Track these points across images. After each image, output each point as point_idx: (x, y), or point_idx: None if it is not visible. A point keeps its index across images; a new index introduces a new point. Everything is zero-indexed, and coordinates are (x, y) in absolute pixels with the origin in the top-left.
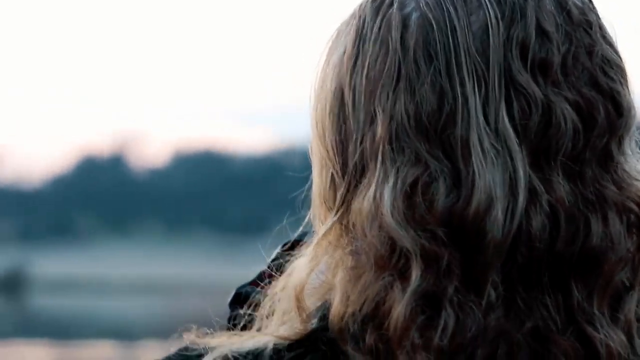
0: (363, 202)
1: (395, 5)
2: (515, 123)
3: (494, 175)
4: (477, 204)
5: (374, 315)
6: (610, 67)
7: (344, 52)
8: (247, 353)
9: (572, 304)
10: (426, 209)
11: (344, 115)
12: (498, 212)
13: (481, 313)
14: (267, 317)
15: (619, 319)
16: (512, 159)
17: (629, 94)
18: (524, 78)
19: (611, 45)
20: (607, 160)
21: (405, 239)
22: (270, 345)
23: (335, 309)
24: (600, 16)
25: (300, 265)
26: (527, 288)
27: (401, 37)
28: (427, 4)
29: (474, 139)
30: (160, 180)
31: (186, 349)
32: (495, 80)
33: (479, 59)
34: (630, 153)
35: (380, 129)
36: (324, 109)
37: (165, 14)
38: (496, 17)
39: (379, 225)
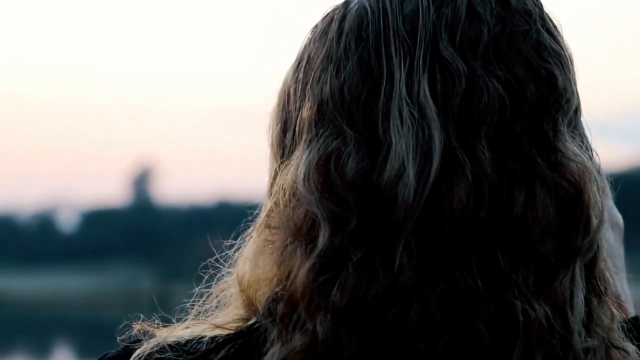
0: (285, 177)
1: (341, 5)
2: (437, 94)
3: (409, 142)
4: (390, 169)
5: (283, 282)
6: (547, 52)
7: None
8: (187, 342)
9: (496, 272)
10: (338, 176)
11: (286, 110)
12: (410, 176)
13: (390, 275)
14: (216, 308)
15: (546, 292)
16: (429, 127)
17: (568, 81)
18: (449, 53)
19: (551, 34)
20: (540, 139)
21: (314, 204)
22: (208, 333)
23: (247, 282)
24: (547, 11)
25: (243, 253)
26: (448, 253)
27: (339, 27)
28: None
29: (394, 109)
30: None
31: (132, 340)
32: (421, 55)
33: (407, 37)
34: (567, 136)
35: (306, 110)
36: (271, 111)
37: None
38: (428, 1)
39: (294, 195)
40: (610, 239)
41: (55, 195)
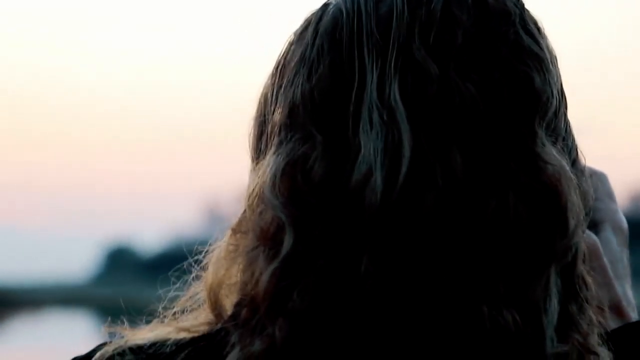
0: (254, 182)
1: (320, 7)
2: (408, 98)
3: (377, 146)
4: (358, 173)
5: (247, 286)
6: (526, 54)
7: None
8: (150, 345)
9: (465, 280)
10: (304, 181)
11: (262, 115)
12: (377, 181)
13: (353, 281)
14: (184, 312)
15: (517, 298)
16: (398, 131)
17: (547, 83)
18: (421, 55)
19: (531, 36)
20: (515, 142)
21: (279, 209)
22: (173, 336)
23: (211, 285)
24: (527, 10)
25: (212, 257)
26: (416, 260)
27: (314, 29)
28: None
29: (364, 113)
30: None
31: (99, 344)
32: (393, 58)
33: (380, 40)
34: (545, 139)
35: (278, 114)
36: (252, 117)
37: None
38: (402, 2)
39: (261, 200)
40: (613, 244)
41: None
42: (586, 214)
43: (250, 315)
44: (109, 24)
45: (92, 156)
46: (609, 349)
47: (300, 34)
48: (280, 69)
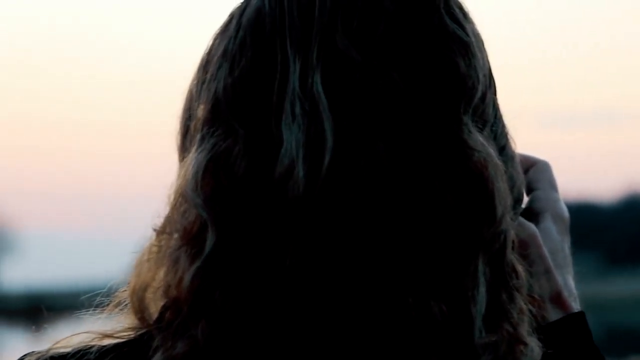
0: (178, 180)
1: (244, 0)
2: (331, 88)
3: (299, 138)
4: (280, 167)
5: (171, 288)
6: (450, 40)
7: None
8: (74, 353)
9: (390, 270)
10: (226, 178)
11: (188, 112)
12: (299, 172)
13: (276, 277)
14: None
15: (443, 288)
16: (320, 122)
17: (473, 68)
18: (344, 43)
19: (456, 20)
20: (439, 130)
21: (201, 207)
22: (97, 343)
23: (133, 288)
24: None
25: (136, 259)
26: (341, 253)
27: (237, 22)
28: None
29: (286, 105)
30: None
31: (25, 353)
32: (316, 47)
33: (302, 29)
34: (471, 126)
35: (201, 110)
36: (177, 117)
37: None
38: None
39: (184, 199)
40: (552, 233)
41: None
42: (516, 201)
43: (173, 318)
44: None
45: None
46: (540, 339)
47: (225, 28)
48: (204, 64)
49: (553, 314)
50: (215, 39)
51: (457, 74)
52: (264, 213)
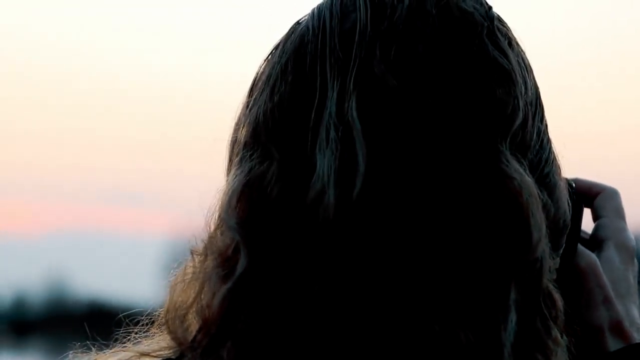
0: (217, 202)
1: (292, 26)
2: (366, 113)
3: (331, 163)
4: (312, 191)
5: (204, 309)
6: (490, 68)
7: None
8: None
9: (418, 297)
10: (259, 201)
11: (235, 136)
12: (330, 197)
13: (304, 301)
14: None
15: (472, 316)
16: (352, 147)
17: (511, 96)
18: (381, 69)
19: (498, 47)
20: (475, 158)
21: (234, 229)
22: None
23: (168, 309)
24: (500, 21)
25: (172, 280)
26: (370, 279)
27: (282, 47)
28: (312, 15)
29: (322, 130)
30: None
31: None
32: (354, 73)
33: (341, 56)
34: (508, 153)
35: (241, 133)
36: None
37: None
38: (366, 16)
39: (219, 221)
40: (614, 262)
41: None
42: (558, 229)
43: (203, 338)
44: None
45: None
46: None
47: (272, 53)
48: (251, 89)
49: (613, 344)
50: (261, 65)
51: (494, 101)
52: (295, 237)
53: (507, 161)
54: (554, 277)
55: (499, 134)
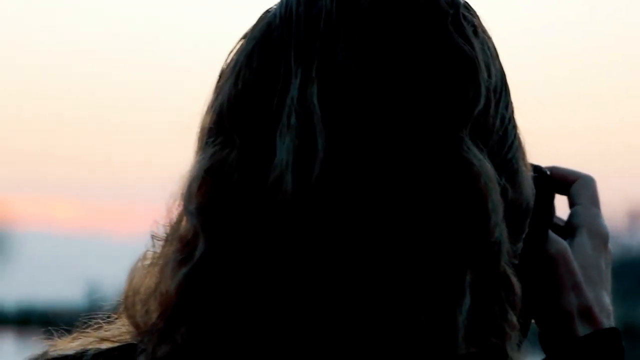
0: (178, 190)
1: (262, 14)
2: (326, 99)
3: (290, 149)
4: (271, 176)
5: (162, 294)
6: (452, 54)
7: None
8: (71, 356)
9: (375, 281)
10: (219, 187)
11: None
12: (288, 183)
13: (260, 285)
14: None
15: (427, 300)
16: (312, 132)
17: (472, 82)
18: (343, 56)
19: (463, 35)
20: (435, 141)
21: (193, 215)
22: (94, 346)
23: (127, 294)
24: (466, 8)
25: (133, 266)
26: (326, 265)
27: (250, 36)
28: (280, 2)
29: (283, 117)
30: None
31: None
32: (316, 60)
33: (307, 42)
34: (467, 140)
35: (204, 121)
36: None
37: None
38: (332, 3)
39: (179, 208)
40: (586, 248)
41: None
42: (523, 213)
43: (160, 323)
44: None
45: None
46: (563, 354)
47: (239, 42)
48: (219, 76)
49: (582, 330)
50: (230, 52)
51: (455, 87)
52: (253, 222)
53: (467, 147)
54: (515, 262)
55: (460, 120)
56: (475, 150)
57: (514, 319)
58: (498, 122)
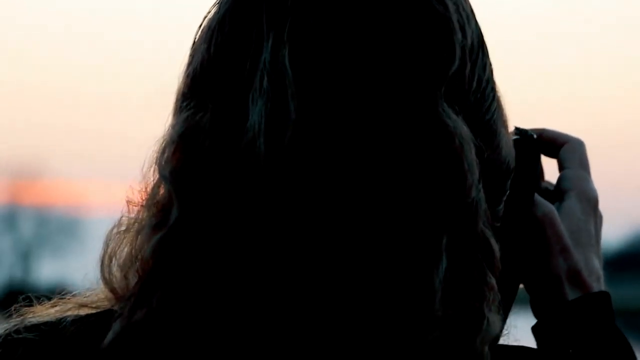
0: (152, 156)
1: None
2: (298, 62)
3: (262, 112)
4: (244, 140)
5: (137, 260)
6: (427, 15)
7: None
8: (48, 322)
9: (352, 244)
10: (192, 152)
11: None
12: (261, 146)
13: (233, 251)
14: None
15: (403, 262)
16: (284, 95)
17: (448, 43)
18: (315, 19)
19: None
20: (409, 102)
21: (166, 179)
22: (73, 312)
23: (102, 262)
24: None
25: (109, 232)
26: (302, 230)
27: (224, 1)
28: None
29: (256, 80)
30: None
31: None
32: (289, 23)
33: (278, 6)
34: (441, 98)
35: (178, 86)
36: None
37: None
38: None
39: (154, 172)
40: (575, 211)
41: None
42: (503, 174)
43: (136, 288)
44: None
45: None
46: (550, 319)
47: (214, 6)
48: (193, 42)
49: (571, 294)
50: (204, 17)
51: (428, 47)
52: (227, 187)
53: (442, 108)
54: (496, 224)
55: (434, 81)
56: (450, 112)
57: (493, 280)
58: (475, 83)
